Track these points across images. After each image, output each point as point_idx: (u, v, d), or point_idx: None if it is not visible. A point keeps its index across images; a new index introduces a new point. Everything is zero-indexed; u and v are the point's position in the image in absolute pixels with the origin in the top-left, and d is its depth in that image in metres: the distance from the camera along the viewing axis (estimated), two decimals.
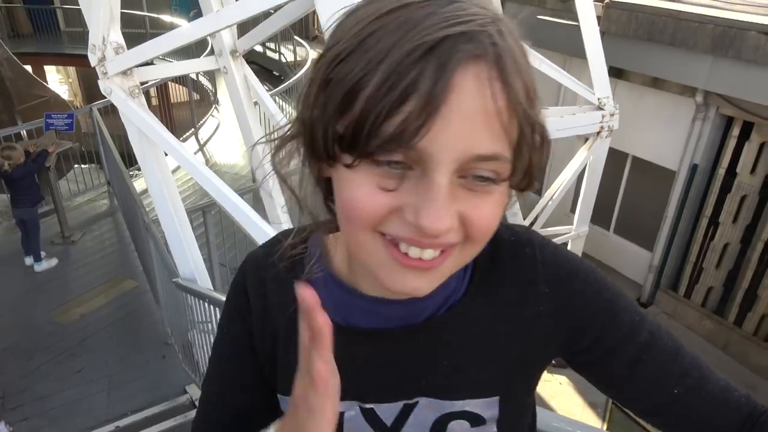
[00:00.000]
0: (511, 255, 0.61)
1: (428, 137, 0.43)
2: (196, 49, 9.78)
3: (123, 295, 6.02)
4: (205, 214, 4.92)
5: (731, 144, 7.78)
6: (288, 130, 0.54)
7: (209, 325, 3.39)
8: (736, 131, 7.73)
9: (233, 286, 0.66)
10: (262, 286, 0.64)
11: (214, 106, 10.66)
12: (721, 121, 7.79)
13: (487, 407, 0.61)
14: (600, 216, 8.73)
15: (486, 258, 0.60)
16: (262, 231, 3.80)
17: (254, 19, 3.49)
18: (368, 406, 0.61)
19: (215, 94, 10.93)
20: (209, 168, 3.95)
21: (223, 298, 0.72)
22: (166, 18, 13.36)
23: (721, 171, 8.04)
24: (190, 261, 3.94)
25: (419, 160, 0.45)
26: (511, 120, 0.45)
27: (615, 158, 8.34)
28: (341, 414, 0.61)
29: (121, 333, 5.46)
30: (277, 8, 3.20)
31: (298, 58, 11.98)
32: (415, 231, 0.46)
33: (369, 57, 0.44)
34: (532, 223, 6.20)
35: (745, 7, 7.39)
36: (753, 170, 7.80)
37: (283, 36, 11.94)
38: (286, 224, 4.83)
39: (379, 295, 0.58)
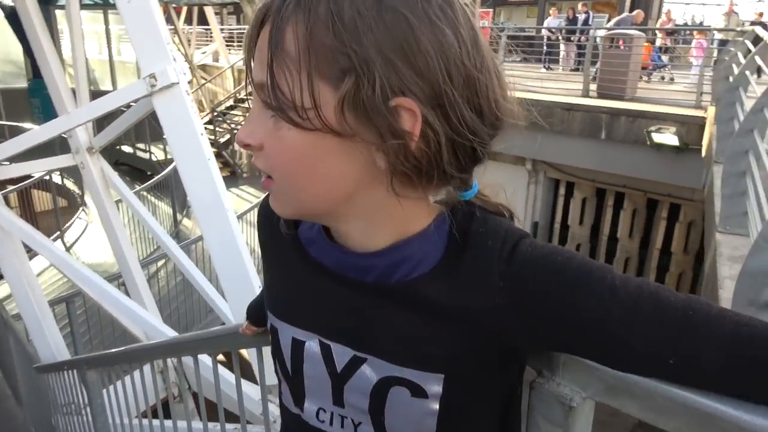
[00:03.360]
0: (472, 245, 0.62)
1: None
2: (61, 152, 9.65)
3: None
4: (69, 305, 4.84)
5: (560, 202, 9.11)
6: None
7: (72, 407, 3.38)
8: (562, 191, 9.09)
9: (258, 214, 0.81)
10: (263, 226, 0.77)
11: (81, 208, 10.45)
12: (550, 184, 9.12)
13: (429, 381, 0.61)
14: None
15: (455, 244, 0.62)
16: (134, 314, 3.88)
17: (108, 116, 3.79)
18: (326, 341, 0.67)
19: (82, 196, 10.74)
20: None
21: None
22: (27, 125, 13.05)
23: (557, 225, 9.32)
24: (51, 344, 3.92)
25: None
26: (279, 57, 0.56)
27: None
28: (302, 342, 0.69)
29: None
30: (126, 107, 3.56)
31: (168, 156, 12.17)
32: None
33: None
34: None
35: (553, 90, 8.95)
36: (581, 222, 9.13)
37: (153, 136, 12.14)
38: (154, 311, 4.89)
39: (357, 250, 0.65)
